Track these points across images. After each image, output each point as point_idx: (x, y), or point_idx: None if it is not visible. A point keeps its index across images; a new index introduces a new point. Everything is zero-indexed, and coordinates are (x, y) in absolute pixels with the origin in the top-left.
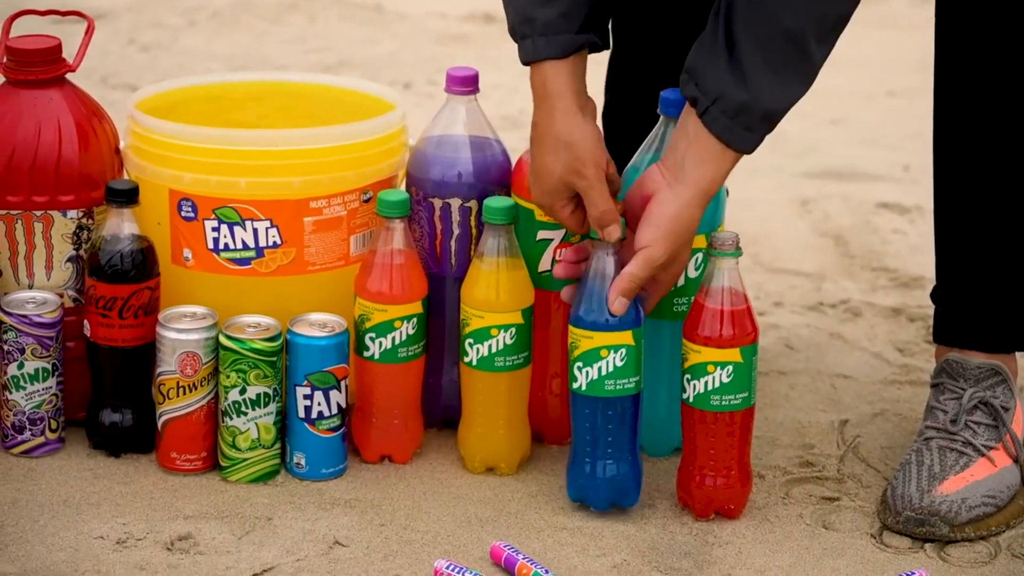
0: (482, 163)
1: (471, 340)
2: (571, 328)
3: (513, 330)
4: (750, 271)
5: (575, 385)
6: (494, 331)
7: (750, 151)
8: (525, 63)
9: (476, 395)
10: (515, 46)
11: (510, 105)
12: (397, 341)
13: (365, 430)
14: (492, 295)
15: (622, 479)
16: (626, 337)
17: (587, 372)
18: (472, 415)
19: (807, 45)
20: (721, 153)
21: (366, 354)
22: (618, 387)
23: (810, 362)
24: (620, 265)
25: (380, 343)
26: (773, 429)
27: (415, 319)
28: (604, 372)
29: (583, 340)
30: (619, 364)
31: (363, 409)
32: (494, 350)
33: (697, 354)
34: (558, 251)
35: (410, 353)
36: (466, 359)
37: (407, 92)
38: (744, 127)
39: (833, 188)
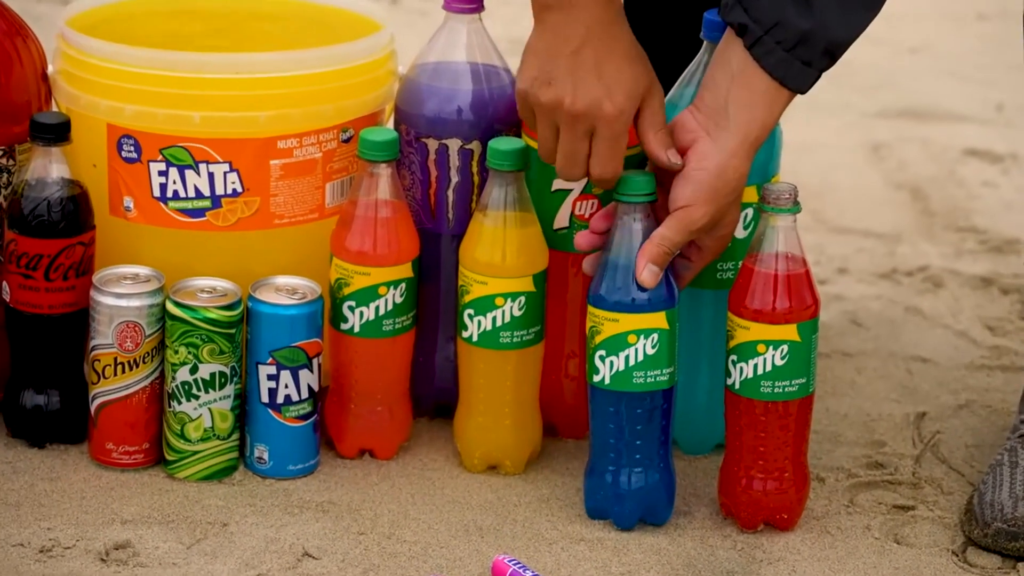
0: (486, 96)
1: (471, 311)
2: (591, 309)
3: (522, 299)
4: (809, 230)
5: (596, 378)
6: (499, 300)
7: (806, 90)
8: None
9: (477, 377)
10: None
11: (520, 26)
12: (382, 311)
13: (342, 418)
14: (497, 256)
15: (652, 491)
16: (658, 319)
17: (611, 362)
18: (472, 402)
19: None
20: (774, 93)
21: (344, 327)
22: (648, 380)
23: (881, 342)
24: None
25: (361, 313)
26: (836, 422)
27: (403, 285)
28: (632, 362)
29: (607, 323)
30: (650, 352)
31: (340, 393)
32: (499, 323)
33: (745, 331)
34: (578, 204)
35: (397, 326)
36: (465, 334)
37: (395, 9)
38: (803, 61)
39: (911, 131)
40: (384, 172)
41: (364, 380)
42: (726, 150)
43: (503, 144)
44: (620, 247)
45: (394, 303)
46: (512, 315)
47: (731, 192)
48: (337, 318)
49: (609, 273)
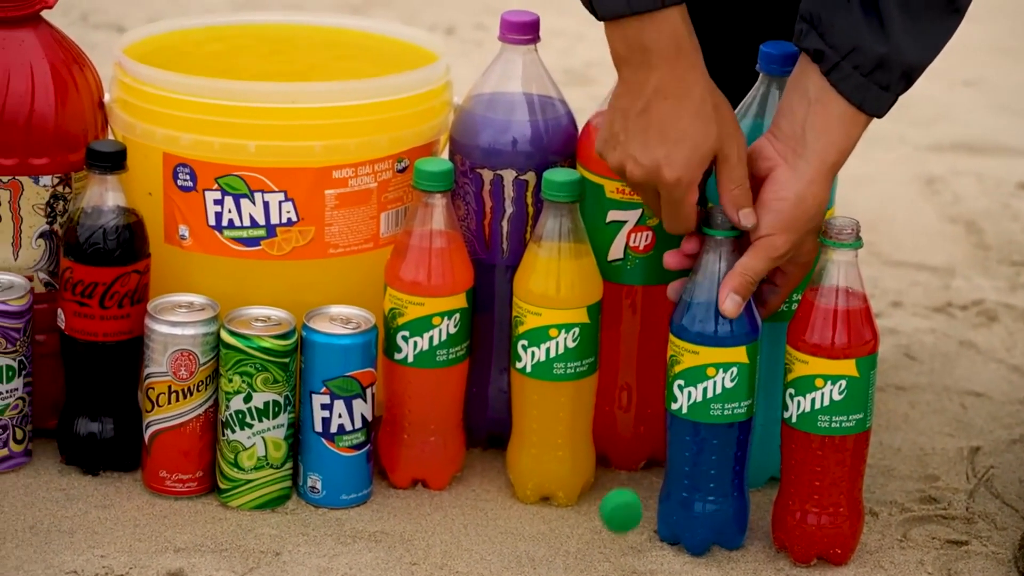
0: (541, 127)
1: (525, 342)
2: (672, 338)
3: (576, 331)
4: (864, 263)
5: (674, 406)
6: (553, 331)
7: (883, 114)
8: (638, 11)
9: (530, 408)
10: None
11: (574, 56)
12: (435, 342)
13: (395, 448)
14: (552, 288)
15: (724, 518)
16: (739, 354)
17: (689, 392)
18: (524, 432)
19: None
20: (852, 118)
21: (398, 356)
22: (726, 412)
23: (935, 376)
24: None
25: (415, 343)
26: (889, 457)
27: (458, 315)
28: (710, 394)
29: (687, 355)
30: (728, 386)
31: (393, 423)
32: (553, 355)
33: (804, 365)
34: (632, 235)
35: (451, 356)
36: (519, 365)
37: (451, 39)
38: (881, 86)
39: (965, 164)
40: (439, 202)
41: (417, 410)
42: (805, 178)
43: (558, 175)
44: (704, 279)
45: (448, 333)
46: (566, 346)
47: (811, 219)
48: (391, 348)
49: (691, 304)
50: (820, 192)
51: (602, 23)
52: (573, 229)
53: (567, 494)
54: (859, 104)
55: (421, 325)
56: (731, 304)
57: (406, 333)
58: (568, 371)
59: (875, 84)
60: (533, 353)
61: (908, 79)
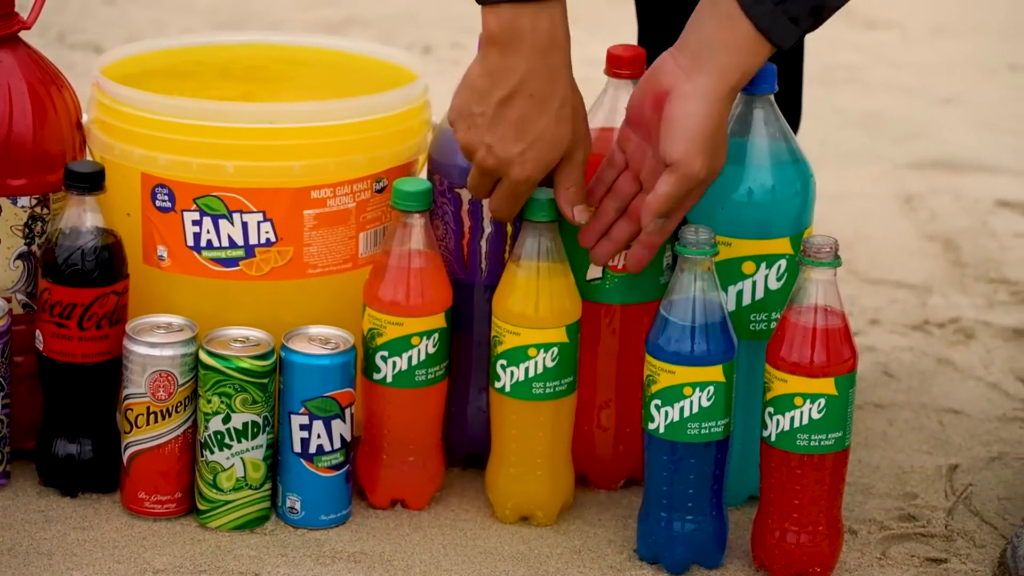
0: None
1: (504, 361)
2: (648, 358)
3: (555, 350)
4: (841, 281)
5: (651, 426)
6: (532, 351)
7: (787, 46)
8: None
9: (509, 428)
10: None
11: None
12: (414, 361)
13: (374, 468)
14: (531, 307)
15: (703, 537)
16: (715, 373)
17: (667, 412)
18: (504, 452)
19: None
20: (757, 44)
21: (377, 377)
22: (703, 431)
23: (913, 394)
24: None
25: (394, 363)
26: (868, 474)
27: (436, 335)
28: (687, 413)
29: (663, 374)
30: (705, 405)
31: (372, 443)
32: (532, 374)
33: (783, 383)
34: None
35: (430, 376)
36: (498, 384)
37: (428, 58)
38: (790, 17)
39: (943, 182)
40: (417, 222)
41: (396, 430)
42: (710, 94)
43: (537, 195)
44: (679, 299)
45: (427, 353)
46: (545, 366)
47: (721, 138)
48: (370, 368)
49: (667, 324)
50: (724, 110)
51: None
52: (552, 248)
53: (546, 514)
54: (766, 31)
55: (400, 345)
56: (655, 227)
57: (385, 353)
58: (547, 391)
59: (785, 14)
60: (512, 373)
61: (817, 16)
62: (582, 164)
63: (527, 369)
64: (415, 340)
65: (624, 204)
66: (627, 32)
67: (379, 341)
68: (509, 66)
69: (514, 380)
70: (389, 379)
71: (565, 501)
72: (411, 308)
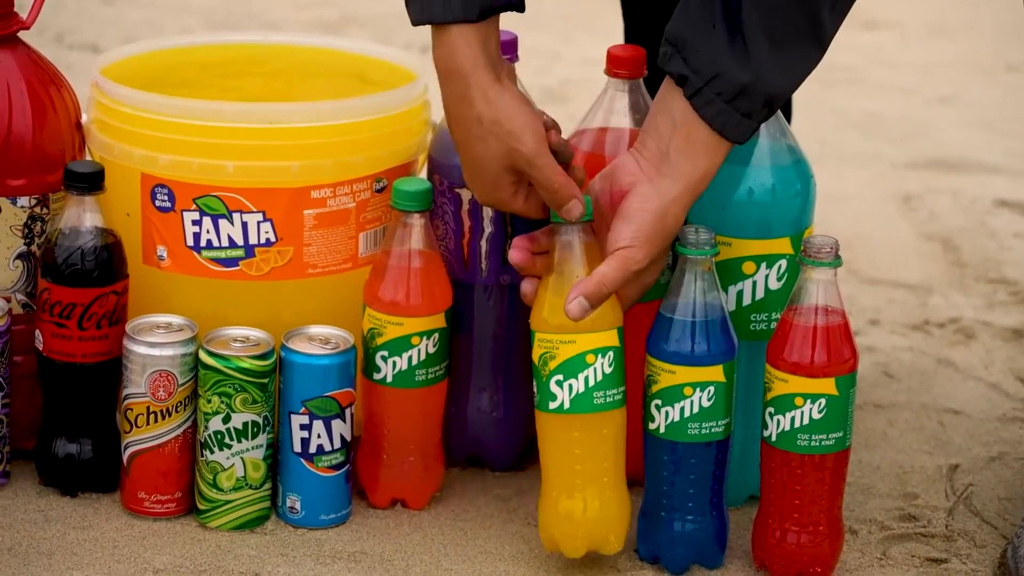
0: None
1: (560, 377)
2: (649, 358)
3: (611, 354)
4: (841, 281)
5: (652, 426)
6: (591, 358)
7: (744, 141)
8: (421, 23)
9: (572, 448)
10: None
11: (551, 75)
12: (414, 361)
13: (374, 468)
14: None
15: (704, 537)
16: (715, 373)
17: (667, 412)
18: (569, 476)
19: (819, 13)
20: (715, 144)
21: (377, 376)
22: (703, 432)
23: (913, 394)
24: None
25: (394, 363)
26: (868, 474)
27: (436, 335)
28: (687, 414)
29: (663, 374)
30: (706, 405)
31: (372, 443)
32: (591, 384)
33: (783, 384)
34: None
35: (430, 376)
36: (553, 404)
37: (427, 57)
38: (743, 113)
39: (942, 182)
40: (417, 222)
41: (396, 430)
42: (668, 196)
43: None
44: (679, 299)
45: (427, 353)
46: (604, 372)
47: (668, 237)
48: (370, 368)
49: (667, 324)
50: (680, 212)
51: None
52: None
53: (618, 538)
54: (720, 130)
55: (400, 345)
56: (577, 307)
57: (385, 353)
58: (608, 400)
59: (737, 111)
60: (571, 386)
61: (770, 107)
62: (538, 161)
63: (587, 378)
64: (415, 340)
65: None
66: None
67: (379, 341)
68: (443, 95)
69: (573, 394)
70: (389, 379)
71: (625, 527)
72: (411, 308)
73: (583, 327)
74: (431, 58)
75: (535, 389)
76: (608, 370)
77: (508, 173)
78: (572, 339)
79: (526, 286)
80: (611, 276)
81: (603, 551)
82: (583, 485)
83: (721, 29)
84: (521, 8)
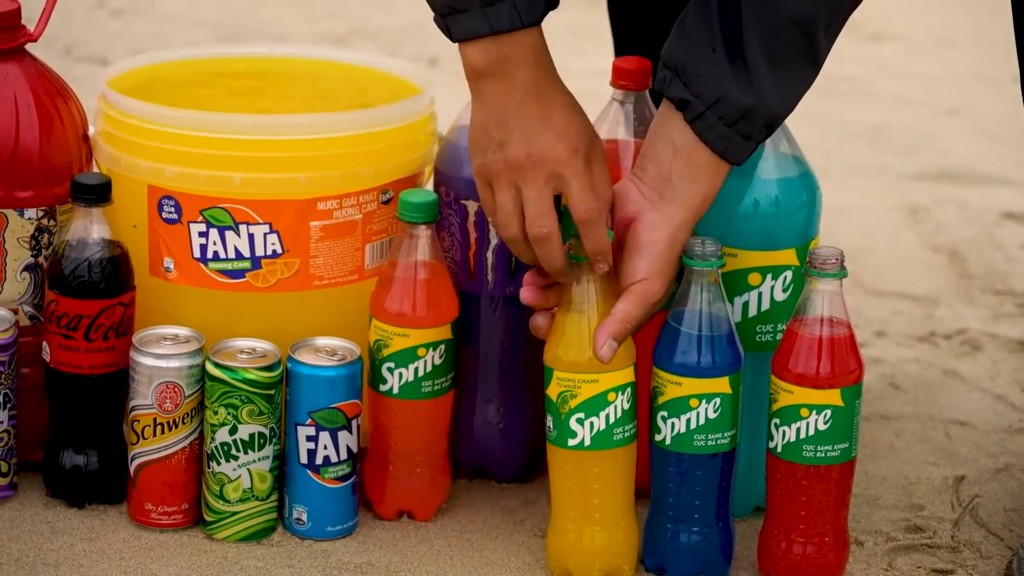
0: None
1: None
2: (655, 369)
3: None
4: (847, 293)
5: (658, 437)
6: (612, 396)
7: (742, 163)
8: (499, 31)
9: (592, 482)
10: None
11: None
12: (421, 373)
13: (381, 480)
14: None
15: (709, 548)
16: (722, 384)
17: (673, 424)
18: (588, 508)
19: (815, 34)
20: (716, 166)
21: (383, 388)
22: (710, 443)
23: (919, 405)
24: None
25: (400, 375)
26: (874, 486)
27: (443, 346)
28: (693, 425)
29: (670, 386)
30: (712, 416)
31: (378, 455)
32: (611, 421)
33: (788, 395)
34: None
35: (436, 388)
36: (573, 441)
37: (434, 70)
38: (744, 135)
39: (948, 193)
40: (424, 234)
41: (403, 442)
42: (675, 222)
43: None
44: (686, 311)
45: (433, 364)
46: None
47: (677, 262)
48: (376, 380)
49: (673, 335)
50: (687, 236)
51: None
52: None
53: (631, 566)
54: (722, 153)
55: (406, 357)
56: (608, 351)
57: (391, 364)
58: (626, 435)
59: (739, 134)
60: (592, 424)
61: (770, 128)
62: (604, 163)
63: (608, 416)
64: (421, 351)
65: None
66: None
67: (385, 352)
68: (508, 85)
69: (595, 431)
70: (395, 390)
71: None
72: (417, 319)
73: (605, 367)
74: (440, 70)
75: (550, 424)
76: (626, 406)
77: (583, 152)
78: (595, 378)
79: (540, 320)
80: (633, 313)
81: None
82: (601, 518)
83: (722, 53)
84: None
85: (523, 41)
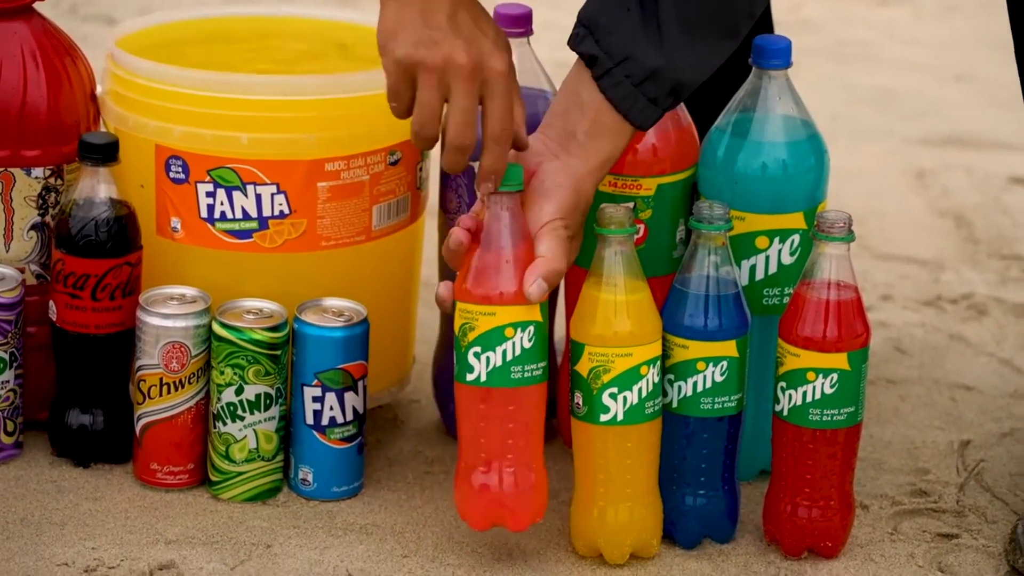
0: (535, 120)
1: (677, 380)
2: (663, 334)
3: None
4: (853, 256)
5: (665, 400)
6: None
7: (647, 128)
8: None
9: (624, 458)
10: None
11: (566, 49)
12: (509, 357)
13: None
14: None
15: (715, 511)
16: (728, 348)
17: (680, 387)
18: (619, 484)
19: (735, 4)
20: (619, 127)
21: (469, 378)
22: (716, 406)
23: (925, 369)
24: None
25: (488, 359)
26: (880, 450)
27: (532, 327)
28: (700, 388)
29: (676, 349)
30: (718, 379)
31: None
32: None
33: (795, 358)
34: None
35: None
36: (605, 418)
37: None
38: (649, 98)
39: (955, 158)
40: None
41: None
42: (577, 173)
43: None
44: (692, 274)
45: (522, 348)
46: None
47: (584, 211)
48: (463, 369)
49: (680, 299)
50: (590, 189)
51: None
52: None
53: (658, 541)
54: (626, 113)
55: (494, 338)
56: (536, 289)
57: (478, 349)
58: (656, 408)
59: (644, 95)
60: (625, 398)
61: (676, 96)
62: (512, 90)
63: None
64: (509, 332)
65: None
66: None
67: (471, 336)
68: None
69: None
70: (483, 377)
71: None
72: (505, 298)
73: (639, 340)
74: None
75: (579, 401)
76: (656, 380)
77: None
78: (629, 352)
79: (443, 291)
80: (556, 250)
81: (645, 555)
82: (632, 493)
83: (636, 13)
84: None
85: None
